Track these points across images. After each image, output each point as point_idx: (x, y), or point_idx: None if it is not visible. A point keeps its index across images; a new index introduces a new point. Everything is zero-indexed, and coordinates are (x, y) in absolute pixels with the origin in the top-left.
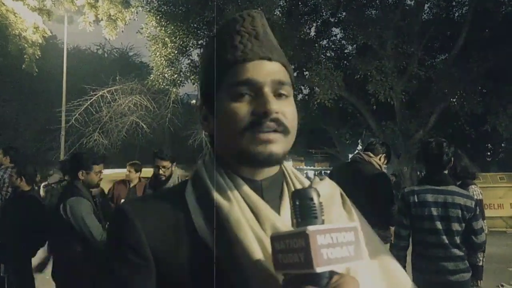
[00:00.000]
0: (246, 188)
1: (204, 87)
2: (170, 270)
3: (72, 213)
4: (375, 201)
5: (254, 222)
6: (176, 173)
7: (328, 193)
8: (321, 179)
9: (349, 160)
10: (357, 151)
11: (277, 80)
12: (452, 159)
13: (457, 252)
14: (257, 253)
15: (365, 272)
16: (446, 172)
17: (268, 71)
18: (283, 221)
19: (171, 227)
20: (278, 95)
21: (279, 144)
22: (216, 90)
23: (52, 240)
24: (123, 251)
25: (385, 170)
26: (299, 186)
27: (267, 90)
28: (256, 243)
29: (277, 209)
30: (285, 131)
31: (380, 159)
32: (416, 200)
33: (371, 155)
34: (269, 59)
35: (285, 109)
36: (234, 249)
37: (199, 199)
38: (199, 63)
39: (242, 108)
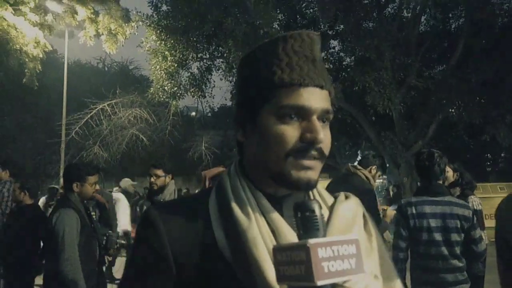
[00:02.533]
0: (266, 204)
1: (246, 97)
2: (187, 277)
3: (57, 223)
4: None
5: (271, 241)
6: (172, 185)
7: (351, 212)
8: (346, 197)
9: (342, 173)
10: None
11: (325, 109)
12: (445, 169)
13: (456, 263)
14: (270, 273)
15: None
16: (441, 182)
17: (320, 99)
18: None
19: (192, 234)
20: (322, 122)
21: (317, 171)
22: (261, 104)
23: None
24: (147, 252)
25: (379, 181)
26: (320, 201)
27: (316, 118)
28: (270, 263)
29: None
30: (323, 158)
31: (371, 171)
32: (414, 212)
33: (358, 167)
34: (322, 87)
35: (326, 138)
36: (248, 266)
37: (221, 211)
38: (198, 76)
39: (290, 131)
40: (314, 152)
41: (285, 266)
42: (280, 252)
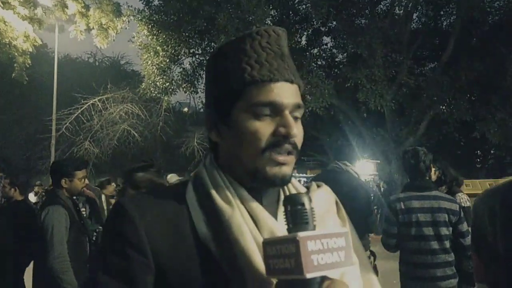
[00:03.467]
0: (246, 194)
1: (217, 96)
2: (168, 269)
3: (45, 220)
4: (353, 210)
5: (254, 228)
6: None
7: (324, 200)
8: (318, 186)
9: (327, 169)
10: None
11: (296, 103)
12: (431, 166)
13: (445, 257)
14: (257, 259)
15: (354, 279)
16: (428, 178)
17: (290, 94)
18: (281, 227)
19: (171, 225)
20: (294, 118)
21: (290, 166)
22: (233, 102)
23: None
24: (122, 246)
25: (370, 177)
26: (294, 192)
27: (288, 113)
28: (257, 249)
29: (274, 214)
30: (296, 153)
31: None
32: (403, 207)
33: (348, 164)
34: (292, 82)
35: (299, 132)
36: (234, 253)
37: (200, 201)
38: (190, 71)
39: (263, 127)
40: (288, 146)
41: (274, 260)
42: (270, 245)
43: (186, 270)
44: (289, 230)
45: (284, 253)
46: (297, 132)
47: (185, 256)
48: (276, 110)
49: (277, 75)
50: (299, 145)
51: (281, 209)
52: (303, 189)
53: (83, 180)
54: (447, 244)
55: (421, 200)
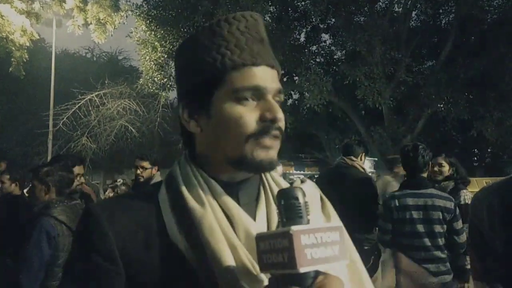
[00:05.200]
0: (221, 193)
1: (193, 84)
2: (139, 273)
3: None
4: (361, 204)
5: (228, 228)
6: (158, 177)
7: (308, 195)
8: (302, 181)
9: (333, 166)
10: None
11: (278, 88)
12: (429, 162)
13: (439, 254)
14: (229, 260)
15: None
16: (424, 175)
17: (272, 78)
18: (258, 226)
19: (141, 228)
20: (276, 102)
21: (276, 150)
22: (213, 90)
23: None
24: (89, 253)
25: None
26: (276, 188)
27: (271, 97)
28: (228, 250)
29: (253, 213)
30: (281, 138)
31: (361, 159)
32: (397, 204)
33: (354, 158)
34: (272, 67)
35: (282, 117)
36: (205, 255)
37: (172, 201)
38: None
39: (248, 113)
40: (275, 131)
41: (267, 254)
42: (262, 240)
43: (157, 274)
44: (282, 224)
45: (277, 248)
46: (282, 116)
47: (156, 259)
48: (259, 95)
49: (259, 59)
50: (283, 129)
51: (260, 207)
52: (285, 185)
53: (79, 176)
54: (441, 241)
55: (416, 197)
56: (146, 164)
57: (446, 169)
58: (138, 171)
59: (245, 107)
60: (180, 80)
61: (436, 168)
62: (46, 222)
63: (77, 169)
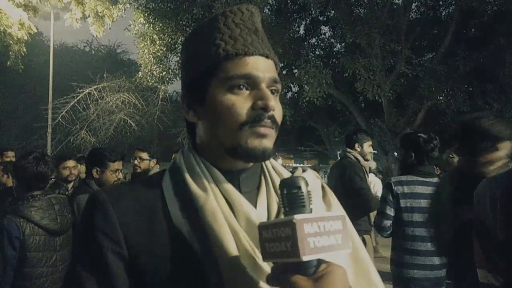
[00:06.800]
0: (223, 180)
1: (191, 76)
2: (143, 257)
3: (79, 211)
4: (351, 191)
5: (229, 214)
6: (157, 170)
7: (309, 184)
8: (304, 171)
9: (340, 157)
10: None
11: (273, 77)
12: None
13: None
14: (231, 245)
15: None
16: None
17: (266, 68)
18: (259, 213)
19: (146, 214)
20: (271, 92)
21: (271, 140)
22: (208, 80)
23: None
24: (95, 235)
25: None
26: (276, 177)
27: (265, 86)
28: (230, 235)
29: (254, 201)
30: (276, 128)
31: (357, 149)
32: (406, 191)
33: (349, 149)
34: (267, 57)
35: (277, 108)
36: (208, 240)
37: (176, 188)
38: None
39: (240, 101)
40: (267, 120)
41: (270, 243)
42: (265, 229)
43: (160, 257)
44: (285, 213)
45: (280, 236)
46: (275, 105)
47: (160, 244)
48: (252, 83)
49: (252, 48)
50: (279, 120)
51: (261, 195)
52: (287, 174)
53: (116, 173)
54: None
55: (424, 185)
56: (144, 155)
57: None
58: (136, 162)
59: (237, 96)
60: (182, 73)
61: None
62: (8, 222)
63: (115, 165)
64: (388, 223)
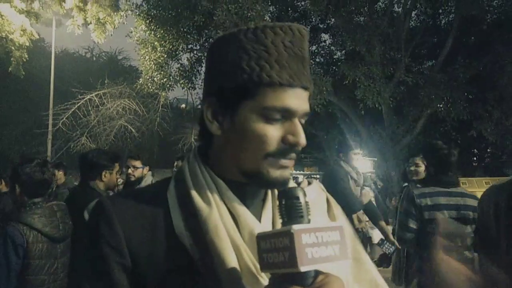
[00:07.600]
0: (228, 192)
1: (222, 84)
2: (144, 266)
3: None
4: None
5: (233, 229)
6: (149, 177)
7: (313, 197)
8: (309, 183)
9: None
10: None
11: (306, 111)
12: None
13: (467, 255)
14: (231, 259)
15: (346, 272)
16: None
17: (303, 101)
18: (263, 227)
19: (149, 223)
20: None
21: (290, 169)
22: (242, 98)
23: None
24: (100, 245)
25: (367, 174)
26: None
27: (298, 120)
28: (232, 250)
29: (259, 213)
30: (297, 158)
31: (344, 157)
32: (429, 203)
33: (341, 157)
34: (306, 89)
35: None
36: (209, 253)
37: (180, 198)
38: (188, 67)
39: (272, 132)
40: (293, 154)
41: (269, 254)
42: (263, 239)
43: (161, 268)
44: (283, 223)
45: (278, 247)
46: (305, 141)
47: (162, 254)
48: (287, 116)
49: (296, 80)
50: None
51: (266, 208)
52: (293, 185)
53: (119, 172)
54: (469, 241)
55: (448, 196)
56: (137, 163)
57: (422, 169)
58: (130, 170)
59: (271, 126)
60: (210, 75)
61: (412, 168)
62: (12, 229)
63: (117, 166)
64: (411, 236)
